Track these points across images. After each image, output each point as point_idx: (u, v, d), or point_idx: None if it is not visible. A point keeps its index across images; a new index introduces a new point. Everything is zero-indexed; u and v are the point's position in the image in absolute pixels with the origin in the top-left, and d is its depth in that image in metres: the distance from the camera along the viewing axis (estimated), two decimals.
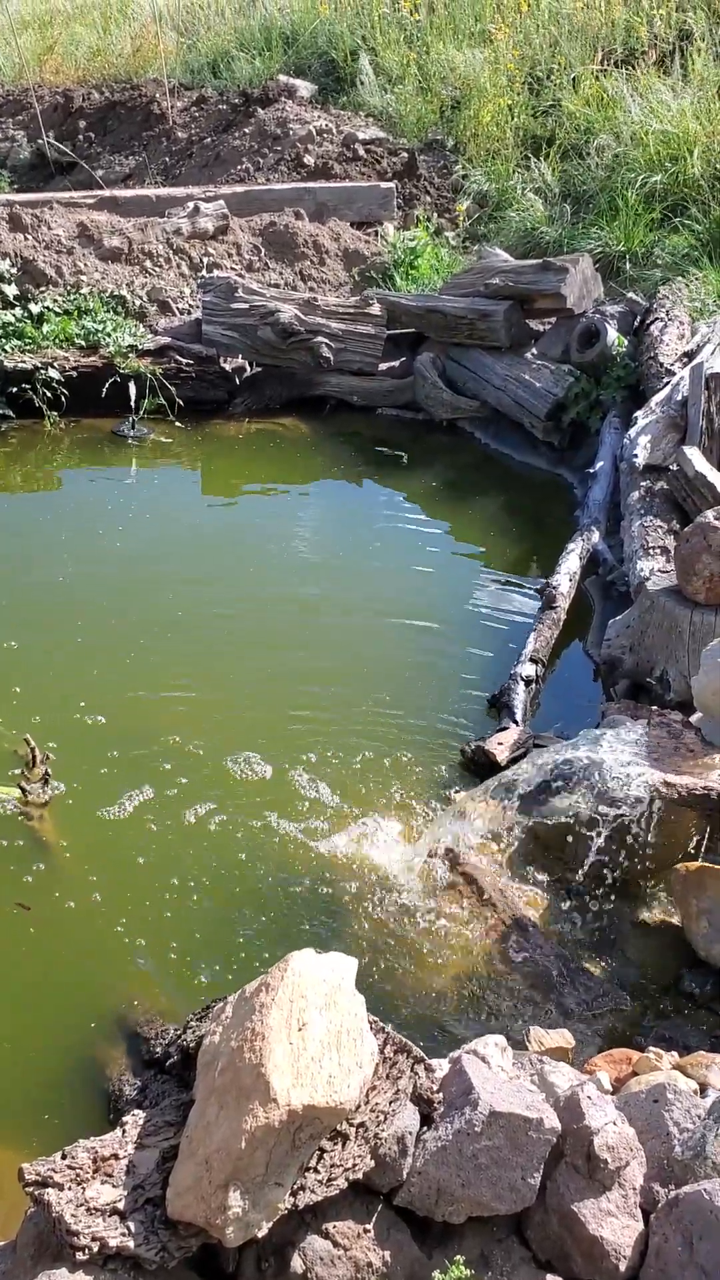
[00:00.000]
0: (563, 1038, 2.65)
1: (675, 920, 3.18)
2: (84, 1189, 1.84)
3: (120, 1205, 1.83)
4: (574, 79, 9.04)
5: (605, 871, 3.20)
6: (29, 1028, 2.91)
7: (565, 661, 4.55)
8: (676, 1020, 2.90)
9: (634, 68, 8.87)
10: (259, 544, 5.48)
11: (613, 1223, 2.00)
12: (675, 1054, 2.55)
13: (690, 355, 5.71)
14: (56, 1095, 2.74)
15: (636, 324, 6.48)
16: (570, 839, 3.24)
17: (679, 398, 5.25)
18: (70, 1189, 1.83)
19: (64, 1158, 1.90)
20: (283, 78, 10.76)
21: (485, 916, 3.13)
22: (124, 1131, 1.98)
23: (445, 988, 2.97)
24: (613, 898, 3.23)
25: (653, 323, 6.21)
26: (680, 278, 6.91)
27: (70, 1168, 1.87)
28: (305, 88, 10.59)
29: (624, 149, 8.06)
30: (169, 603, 4.82)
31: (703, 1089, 2.38)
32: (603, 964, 3.09)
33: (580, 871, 3.20)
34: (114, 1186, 1.86)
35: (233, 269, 7.67)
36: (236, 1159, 1.78)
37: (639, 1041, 2.79)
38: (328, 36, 11.05)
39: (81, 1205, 1.81)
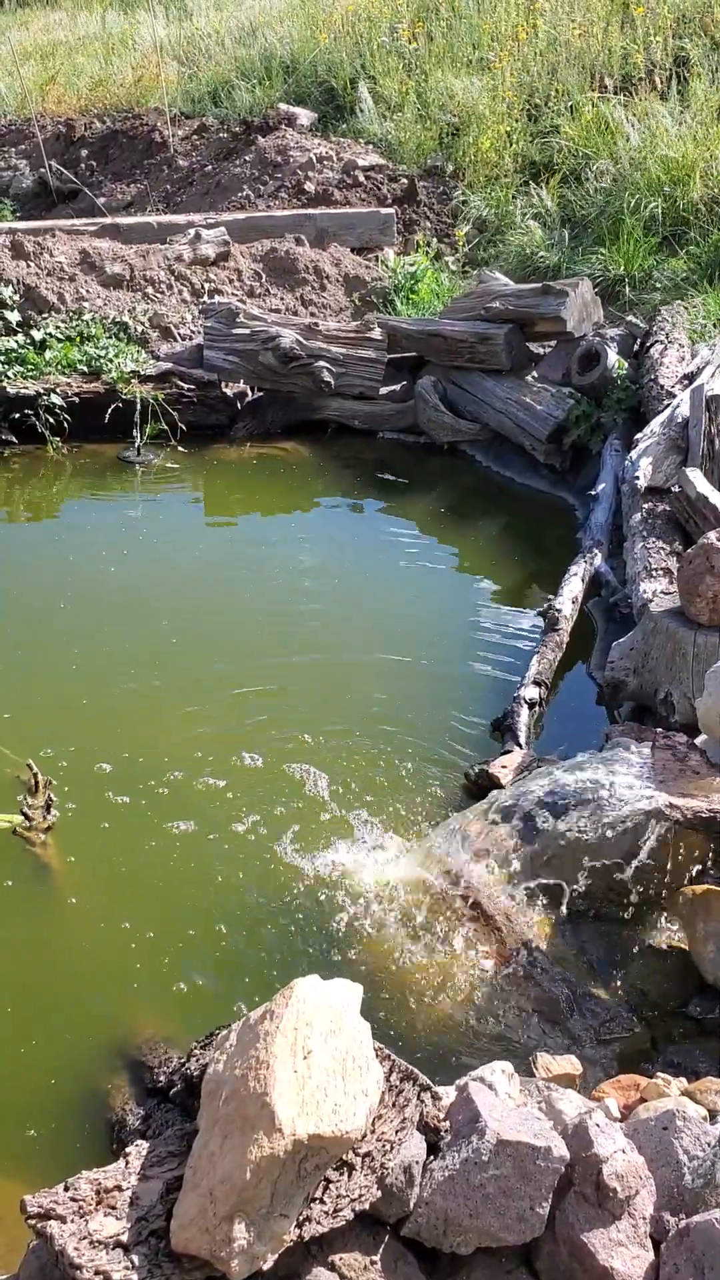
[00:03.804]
0: (570, 1064, 2.62)
1: (683, 944, 3.15)
2: (87, 1221, 1.81)
3: (124, 1238, 1.81)
4: (572, 105, 9.11)
5: (610, 895, 3.17)
6: (31, 1056, 2.88)
7: (569, 684, 4.54)
8: (685, 1045, 2.87)
9: (632, 94, 8.95)
10: (261, 569, 5.48)
11: (623, 1253, 1.97)
12: (684, 1080, 2.52)
13: (691, 377, 5.73)
14: (59, 1125, 2.71)
15: (636, 347, 6.50)
16: (574, 861, 3.22)
17: (680, 419, 5.26)
18: (73, 1221, 1.81)
19: (66, 1189, 1.87)
20: (283, 106, 10.86)
21: (491, 941, 3.11)
22: (127, 1162, 1.95)
23: (451, 1014, 2.94)
24: (620, 921, 3.20)
25: (653, 345, 6.24)
26: (680, 301, 6.94)
27: (73, 1199, 1.85)
28: (305, 116, 10.69)
29: (623, 173, 8.11)
30: (169, 628, 4.81)
31: (712, 1115, 2.35)
32: (610, 989, 3.06)
33: (584, 895, 3.18)
34: (117, 1219, 1.83)
35: (234, 295, 7.71)
36: (241, 1190, 1.76)
37: (648, 1068, 2.76)
38: (327, 65, 11.17)
39: (84, 1238, 1.78)
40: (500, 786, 3.67)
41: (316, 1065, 1.88)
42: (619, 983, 3.08)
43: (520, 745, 3.97)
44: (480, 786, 3.75)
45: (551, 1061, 2.62)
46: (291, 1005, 1.95)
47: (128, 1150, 1.99)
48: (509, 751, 3.92)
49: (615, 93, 9.10)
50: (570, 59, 9.61)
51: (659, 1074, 2.55)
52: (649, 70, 9.25)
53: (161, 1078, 2.68)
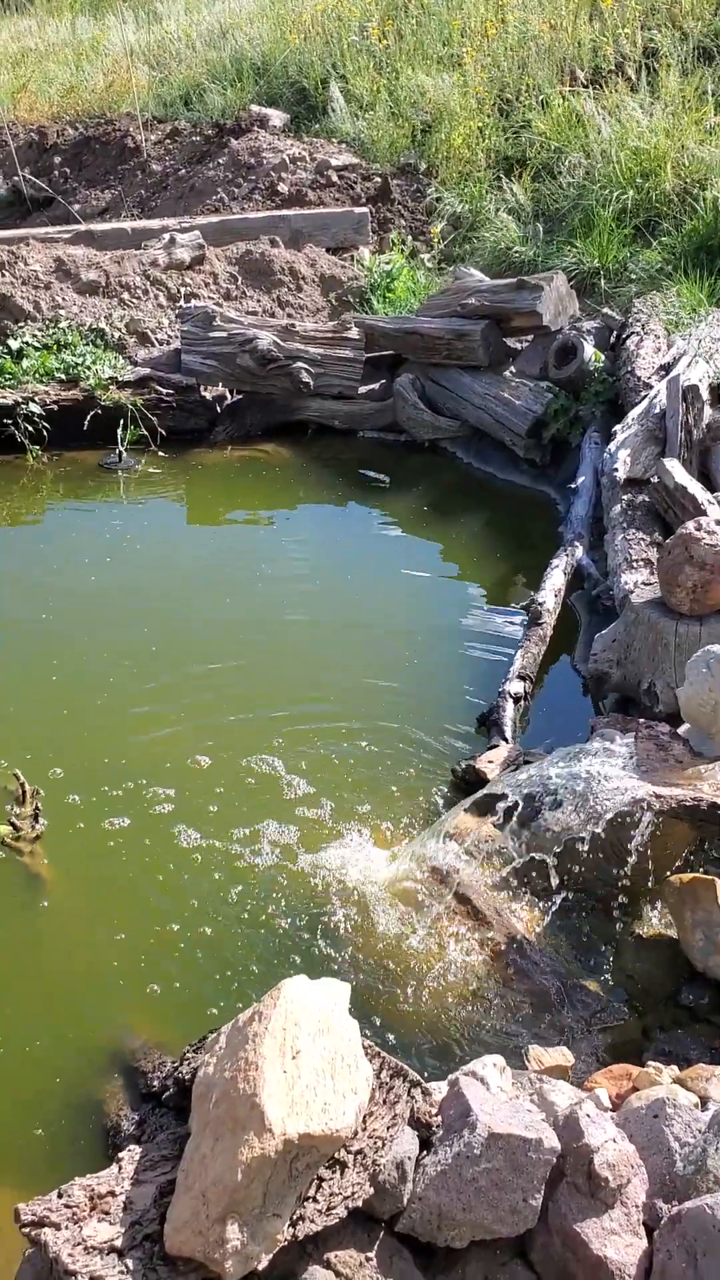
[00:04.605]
0: (562, 1055, 2.64)
1: (672, 933, 3.17)
2: (81, 1227, 1.82)
3: (118, 1243, 1.82)
4: (543, 99, 9.12)
5: (599, 885, 3.19)
6: (25, 1064, 2.88)
7: (554, 677, 4.55)
8: (676, 1033, 2.89)
9: (602, 86, 8.96)
10: (243, 572, 5.48)
11: (616, 1241, 1.98)
12: (675, 1068, 2.54)
13: (667, 368, 5.74)
14: (57, 1132, 2.72)
15: (613, 339, 6.52)
16: (562, 854, 3.23)
17: (657, 410, 5.27)
18: (67, 1228, 1.82)
19: (60, 1196, 1.88)
20: (255, 108, 10.85)
21: (480, 935, 3.12)
22: (120, 1167, 1.96)
23: (442, 1009, 2.96)
24: (609, 912, 3.22)
25: (629, 337, 6.26)
26: (655, 291, 6.96)
27: (67, 1206, 1.86)
28: (278, 117, 10.68)
29: (595, 166, 8.13)
30: (152, 633, 4.81)
31: (703, 1102, 2.36)
32: (601, 980, 3.07)
33: (573, 886, 3.19)
34: (111, 1224, 1.84)
35: (210, 298, 7.70)
36: (233, 1191, 1.77)
37: (640, 1056, 2.77)
38: (298, 66, 11.17)
39: (79, 1244, 1.79)
40: (487, 781, 3.68)
41: (305, 1065, 1.89)
42: (609, 973, 3.09)
43: (506, 740, 3.98)
44: (467, 782, 3.76)
45: (543, 1053, 2.63)
46: (279, 1006, 1.96)
47: (120, 1155, 2.00)
48: (495, 746, 3.93)
49: (586, 86, 9.12)
50: (540, 53, 9.61)
51: (650, 1063, 2.57)
52: (619, 63, 9.27)
53: (156, 1082, 2.68)
